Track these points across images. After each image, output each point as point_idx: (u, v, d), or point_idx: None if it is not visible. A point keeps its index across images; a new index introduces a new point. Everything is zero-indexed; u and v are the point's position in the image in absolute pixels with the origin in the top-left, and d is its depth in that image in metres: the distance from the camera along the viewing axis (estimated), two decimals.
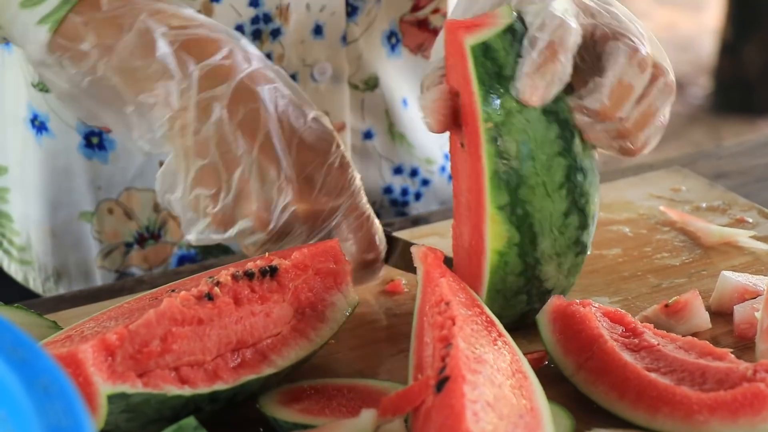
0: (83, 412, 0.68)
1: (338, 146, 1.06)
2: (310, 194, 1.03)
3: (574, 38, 0.96)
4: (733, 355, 0.96)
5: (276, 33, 1.24)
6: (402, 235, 1.24)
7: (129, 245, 1.31)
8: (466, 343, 0.88)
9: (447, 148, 1.30)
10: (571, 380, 0.97)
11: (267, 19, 1.23)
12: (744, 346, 1.03)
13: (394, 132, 1.34)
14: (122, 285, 1.21)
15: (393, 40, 1.31)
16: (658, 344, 0.98)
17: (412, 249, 1.00)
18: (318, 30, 1.26)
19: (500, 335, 0.94)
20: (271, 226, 1.03)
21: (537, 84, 0.95)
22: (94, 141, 1.27)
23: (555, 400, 0.92)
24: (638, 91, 0.98)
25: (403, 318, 1.11)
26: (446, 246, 1.21)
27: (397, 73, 1.33)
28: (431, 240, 1.24)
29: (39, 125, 1.28)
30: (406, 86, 1.34)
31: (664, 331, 1.00)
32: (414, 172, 1.36)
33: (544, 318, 1.01)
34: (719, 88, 4.58)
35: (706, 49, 4.92)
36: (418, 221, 1.30)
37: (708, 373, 0.94)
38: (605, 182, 1.32)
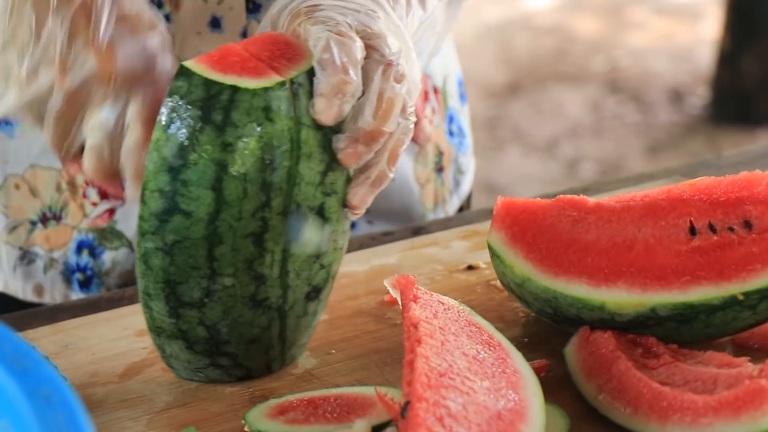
0: (85, 420, 0.68)
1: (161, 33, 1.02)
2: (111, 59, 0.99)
3: (359, 53, 0.96)
4: (750, 363, 0.96)
5: (165, 19, 1.22)
6: (398, 245, 1.25)
7: (33, 223, 1.30)
8: (434, 355, 0.89)
9: None
10: (593, 404, 0.98)
11: (159, 4, 1.22)
12: None
13: None
14: (122, 294, 1.20)
15: None
16: (676, 361, 0.99)
17: (386, 281, 1.01)
18: (215, 23, 1.24)
19: (489, 338, 0.95)
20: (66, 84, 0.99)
21: (333, 103, 0.94)
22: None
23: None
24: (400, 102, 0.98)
25: (402, 328, 1.10)
26: (446, 255, 1.22)
27: None
28: (431, 250, 1.24)
29: None
30: None
31: (687, 350, 1.02)
32: None
33: (570, 348, 1.02)
34: (717, 98, 4.59)
35: (704, 59, 4.93)
36: (419, 231, 1.30)
37: (719, 380, 0.95)
38: (606, 192, 1.32)
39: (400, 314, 1.12)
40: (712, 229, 1.03)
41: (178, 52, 1.23)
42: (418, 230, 1.30)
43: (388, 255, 1.24)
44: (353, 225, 1.33)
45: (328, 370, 1.04)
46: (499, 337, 0.97)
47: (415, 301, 0.97)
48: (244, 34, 1.24)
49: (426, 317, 0.95)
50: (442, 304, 0.99)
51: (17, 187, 1.30)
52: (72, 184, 1.28)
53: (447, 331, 0.94)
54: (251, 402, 0.99)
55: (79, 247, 1.30)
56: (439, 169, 1.43)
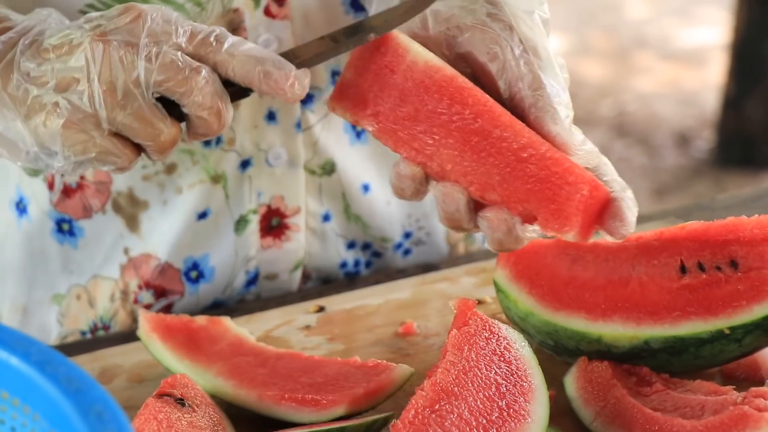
0: None
1: None
2: None
3: None
4: (735, 391, 1.04)
5: None
6: (411, 281, 1.33)
7: (83, 333, 1.35)
8: (435, 392, 0.99)
9: (408, 227, 1.38)
10: (590, 428, 1.06)
11: None
12: None
13: (350, 213, 1.35)
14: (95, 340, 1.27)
15: (359, 127, 1.29)
16: (667, 389, 1.07)
17: (450, 302, 1.07)
18: (271, 116, 1.28)
19: (518, 368, 1.03)
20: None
21: None
22: (65, 227, 1.31)
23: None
24: None
25: (415, 357, 1.18)
26: (456, 291, 1.30)
27: (361, 159, 1.34)
28: (442, 285, 1.32)
29: (22, 208, 1.32)
30: (370, 171, 1.35)
31: (677, 379, 1.09)
32: (366, 246, 1.38)
33: (570, 377, 1.10)
34: (723, 142, 4.64)
35: (709, 103, 4.98)
36: (428, 268, 1.37)
37: (707, 406, 1.03)
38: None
39: (414, 345, 1.21)
40: (701, 268, 1.11)
41: (239, 147, 1.27)
42: (429, 267, 1.38)
43: (402, 290, 1.31)
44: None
45: None
46: (534, 371, 1.03)
47: (460, 327, 1.03)
48: (299, 125, 1.28)
49: (461, 346, 1.02)
50: (492, 332, 1.04)
51: (78, 297, 1.33)
52: (125, 293, 1.32)
53: (473, 363, 1.01)
54: None
55: None
56: None
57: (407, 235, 1.39)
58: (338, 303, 1.29)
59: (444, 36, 1.06)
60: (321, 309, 1.28)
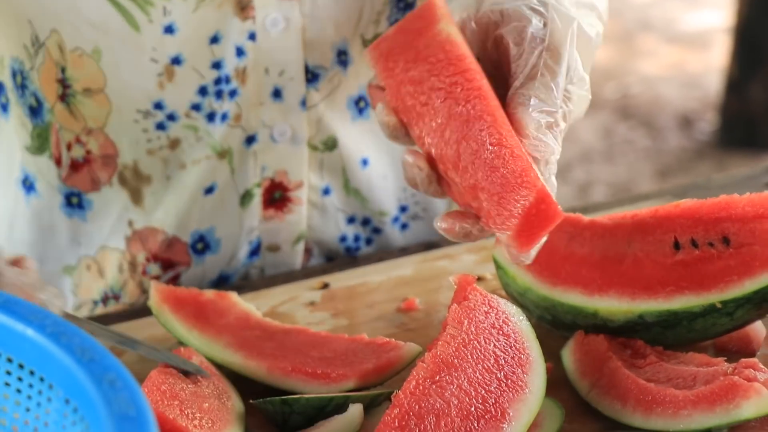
0: (145, 401, 0.76)
1: None
2: None
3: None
4: (726, 362, 1.08)
5: (233, 93, 1.29)
6: (413, 258, 1.36)
7: (95, 302, 1.38)
8: (435, 364, 1.02)
9: (404, 201, 1.41)
10: (586, 398, 1.09)
11: (227, 80, 1.28)
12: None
13: (349, 187, 1.38)
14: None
15: (362, 104, 1.34)
16: (660, 361, 1.10)
17: (450, 278, 1.09)
18: (277, 93, 1.30)
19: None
20: None
21: None
22: (74, 201, 1.34)
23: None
24: None
25: (417, 332, 1.22)
26: (457, 267, 1.33)
27: (361, 135, 1.36)
28: (443, 263, 1.35)
29: (29, 186, 1.35)
30: (369, 146, 1.38)
31: (671, 352, 1.12)
32: (366, 221, 1.41)
33: (567, 350, 1.13)
34: (725, 124, 4.65)
35: (713, 86, 4.99)
36: (429, 246, 1.40)
37: (698, 377, 1.07)
38: (604, 210, 1.42)
39: (415, 320, 1.24)
40: (694, 244, 1.14)
41: (245, 123, 1.30)
42: (430, 245, 1.41)
43: (404, 267, 1.34)
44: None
45: None
46: (532, 344, 1.06)
47: (460, 302, 1.06)
48: (304, 103, 1.31)
49: (461, 320, 1.05)
50: (491, 306, 1.07)
51: (89, 268, 1.37)
52: (132, 264, 1.35)
53: (473, 336, 1.04)
54: None
55: None
56: None
57: (403, 209, 1.42)
58: (342, 280, 1.32)
59: (488, 18, 1.08)
60: (325, 285, 1.31)
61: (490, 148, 1.00)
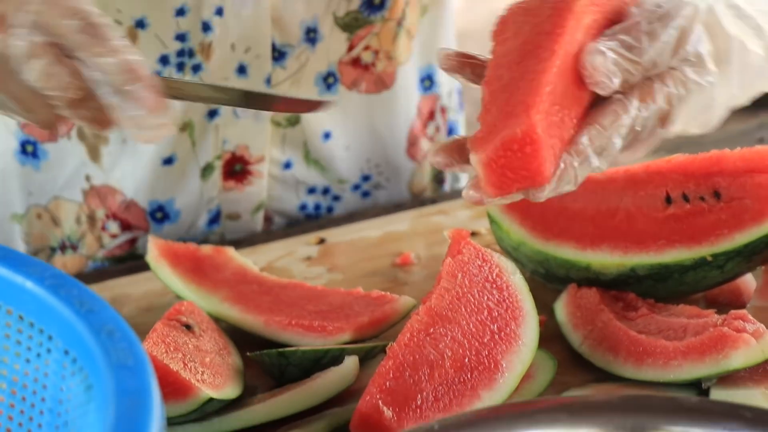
0: (143, 351, 0.77)
1: None
2: None
3: None
4: (716, 314, 1.09)
5: (197, 68, 1.28)
6: (409, 214, 1.37)
7: (53, 249, 1.37)
8: (439, 302, 1.04)
9: (367, 171, 1.41)
10: (579, 350, 1.10)
11: (191, 53, 1.27)
12: None
13: (309, 159, 1.38)
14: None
15: (330, 80, 1.33)
16: (652, 313, 1.11)
17: (445, 232, 1.09)
18: (242, 69, 1.30)
19: (509, 295, 1.06)
20: None
21: None
22: (29, 149, 1.32)
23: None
24: None
25: (412, 286, 1.23)
26: (452, 223, 1.34)
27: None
28: (438, 218, 1.36)
29: None
30: (334, 118, 1.37)
31: (662, 304, 1.14)
32: (326, 190, 1.41)
33: (560, 303, 1.14)
34: None
35: None
36: (424, 202, 1.41)
37: (688, 329, 1.08)
38: None
39: (411, 274, 1.26)
40: (685, 198, 1.15)
41: None
42: (426, 201, 1.42)
43: (399, 222, 1.35)
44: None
45: None
46: (525, 297, 1.06)
47: (454, 256, 1.07)
48: (269, 81, 1.31)
49: (455, 273, 1.06)
50: (484, 260, 1.07)
51: (39, 216, 1.36)
52: (91, 218, 1.35)
53: (466, 289, 1.06)
54: None
55: None
56: (439, 181, 1.50)
57: (366, 178, 1.42)
58: (338, 235, 1.33)
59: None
60: (322, 241, 1.32)
61: (523, 70, 0.94)
